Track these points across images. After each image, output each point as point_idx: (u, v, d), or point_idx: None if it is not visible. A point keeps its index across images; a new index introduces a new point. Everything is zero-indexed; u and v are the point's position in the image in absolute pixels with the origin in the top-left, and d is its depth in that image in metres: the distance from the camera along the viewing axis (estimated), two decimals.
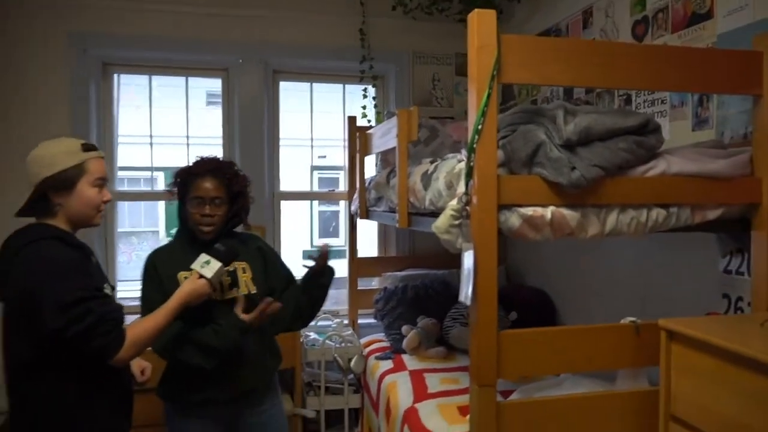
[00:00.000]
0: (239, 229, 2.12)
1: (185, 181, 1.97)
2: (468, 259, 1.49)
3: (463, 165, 1.61)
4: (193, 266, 1.79)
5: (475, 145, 1.47)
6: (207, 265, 1.77)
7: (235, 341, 1.84)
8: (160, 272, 1.90)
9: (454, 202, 1.56)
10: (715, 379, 1.35)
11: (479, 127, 1.46)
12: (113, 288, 1.79)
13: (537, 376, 2.43)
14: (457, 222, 1.54)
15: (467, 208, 1.51)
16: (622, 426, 1.59)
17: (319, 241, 2.09)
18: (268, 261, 2.11)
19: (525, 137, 1.55)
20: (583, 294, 2.81)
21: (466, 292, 1.50)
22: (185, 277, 1.84)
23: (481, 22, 1.45)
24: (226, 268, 1.86)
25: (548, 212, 1.52)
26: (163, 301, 1.71)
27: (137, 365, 1.89)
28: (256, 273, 2.01)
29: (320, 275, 2.14)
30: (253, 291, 1.97)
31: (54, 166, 1.57)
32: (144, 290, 1.91)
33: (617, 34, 2.50)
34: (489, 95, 1.46)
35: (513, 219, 1.51)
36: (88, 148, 1.65)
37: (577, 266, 2.87)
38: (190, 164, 2.00)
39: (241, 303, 1.88)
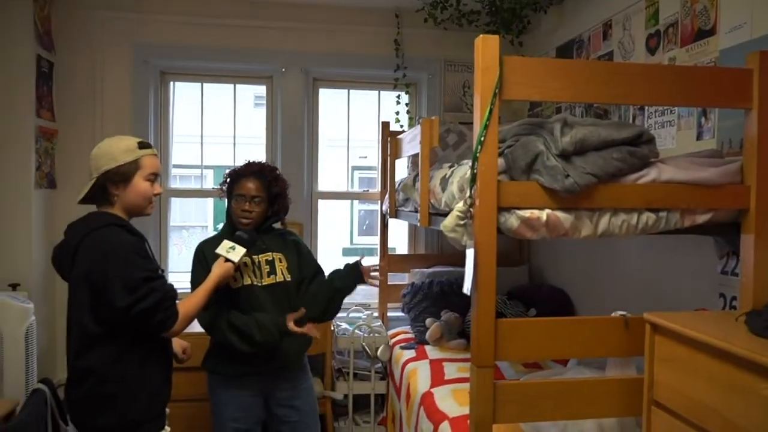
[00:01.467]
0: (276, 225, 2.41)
1: (233, 180, 2.29)
2: (470, 256, 1.69)
3: None
4: (218, 251, 2.08)
5: (478, 155, 1.66)
6: (232, 251, 2.06)
7: (274, 339, 2.14)
8: (207, 259, 2.19)
9: (460, 204, 1.75)
10: (690, 367, 1.49)
11: (482, 138, 1.66)
12: (163, 272, 1.98)
13: (546, 364, 2.59)
14: (462, 222, 1.74)
15: (471, 209, 1.71)
16: (610, 408, 1.75)
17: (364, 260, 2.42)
18: (301, 254, 2.40)
19: (525, 147, 1.73)
20: (597, 292, 2.95)
21: (468, 284, 1.70)
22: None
23: (485, 46, 1.65)
24: (260, 257, 2.15)
25: (544, 214, 1.69)
26: None
27: (179, 345, 2.11)
28: (290, 263, 2.31)
29: (351, 274, 2.39)
30: (288, 279, 2.29)
31: (114, 161, 1.78)
32: (194, 273, 2.24)
33: (633, 46, 2.63)
34: (491, 111, 1.65)
35: (512, 220, 1.69)
36: (143, 146, 1.85)
37: (592, 267, 3.01)
38: (238, 166, 2.32)
39: (298, 315, 2.16)
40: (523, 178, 1.73)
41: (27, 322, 2.61)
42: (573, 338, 1.73)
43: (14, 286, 2.90)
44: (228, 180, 2.32)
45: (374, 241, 4.85)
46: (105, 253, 1.70)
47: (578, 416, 1.80)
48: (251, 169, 2.28)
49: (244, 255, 2.09)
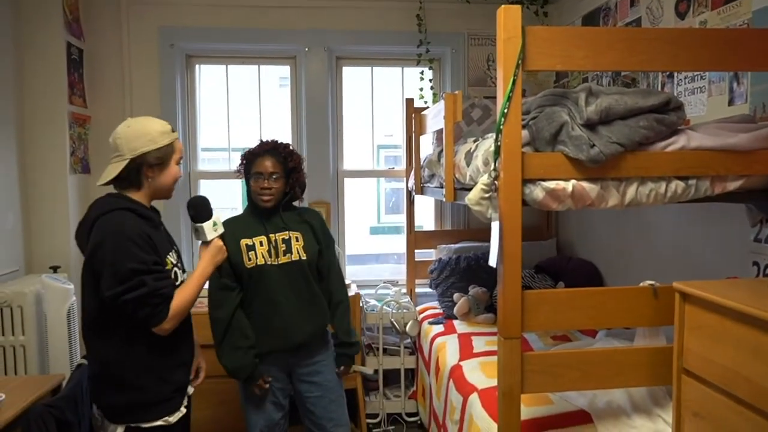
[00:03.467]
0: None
1: (249, 161, 2.31)
2: (496, 228, 1.69)
3: None
4: (207, 239, 1.95)
5: (501, 127, 1.66)
6: (215, 227, 1.95)
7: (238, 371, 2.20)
8: (225, 239, 2.13)
9: (485, 177, 1.75)
10: (719, 335, 1.48)
11: (505, 110, 1.65)
12: (179, 254, 1.94)
13: (577, 335, 2.59)
14: (487, 195, 1.74)
15: (496, 182, 1.71)
16: (639, 378, 1.75)
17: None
18: (318, 231, 2.39)
19: (549, 118, 1.72)
20: (626, 264, 2.93)
21: (494, 257, 1.71)
22: (246, 244, 2.22)
23: (507, 17, 1.63)
24: (277, 236, 2.23)
25: (569, 185, 1.68)
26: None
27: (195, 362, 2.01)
28: (307, 242, 2.32)
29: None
30: (304, 258, 2.29)
31: (153, 143, 1.73)
32: None
33: (662, 11, 2.56)
34: (514, 82, 1.64)
35: (537, 192, 1.69)
36: (173, 129, 1.84)
37: (621, 238, 2.98)
38: (253, 146, 2.34)
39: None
40: (548, 149, 1.72)
41: (68, 303, 2.71)
42: (600, 309, 1.73)
43: (55, 269, 3.01)
44: (244, 161, 2.34)
45: (401, 219, 4.85)
46: (104, 240, 1.65)
47: (606, 386, 1.81)
48: (265, 148, 2.31)
49: (220, 232, 1.99)
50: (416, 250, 3.70)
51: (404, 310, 3.30)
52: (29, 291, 2.64)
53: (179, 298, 1.74)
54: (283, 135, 3.80)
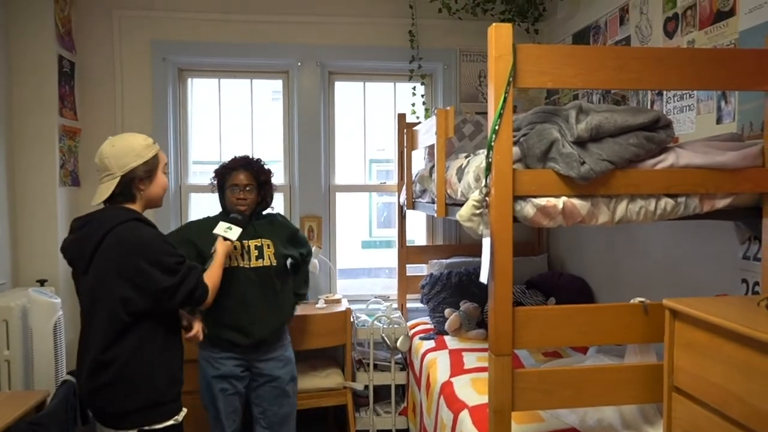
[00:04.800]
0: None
1: (223, 174, 2.57)
2: (487, 245, 1.69)
3: None
4: (216, 231, 2.34)
5: (493, 143, 1.66)
6: (230, 231, 2.34)
7: None
8: (193, 240, 2.47)
9: (476, 194, 1.75)
10: (710, 353, 1.48)
11: (496, 127, 1.66)
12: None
13: (568, 352, 2.59)
14: (478, 211, 1.74)
15: (487, 198, 1.71)
16: (630, 396, 1.75)
17: None
18: (294, 236, 2.70)
19: (540, 135, 1.73)
20: (617, 280, 2.93)
21: (486, 273, 1.71)
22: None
23: (498, 35, 1.65)
24: (251, 242, 2.51)
25: (560, 202, 1.69)
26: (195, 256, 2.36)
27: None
28: (277, 248, 2.57)
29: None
30: (274, 263, 2.55)
31: (140, 157, 1.87)
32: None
33: (650, 30, 2.60)
34: (505, 99, 1.65)
35: (528, 208, 1.69)
36: (154, 141, 1.98)
37: (612, 254, 2.99)
38: (227, 161, 2.59)
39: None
40: (539, 166, 1.73)
41: (55, 317, 2.68)
42: (591, 325, 1.73)
43: (42, 282, 2.98)
44: (219, 174, 2.59)
45: (393, 233, 4.85)
46: (137, 247, 1.80)
47: (597, 403, 1.80)
48: (240, 162, 2.56)
49: (239, 235, 2.35)
50: (408, 265, 3.70)
51: (395, 326, 3.29)
52: (15, 305, 2.60)
53: (211, 278, 2.05)
54: (275, 149, 3.80)
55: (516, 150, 1.73)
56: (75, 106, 3.35)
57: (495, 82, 1.66)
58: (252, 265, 2.51)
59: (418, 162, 3.38)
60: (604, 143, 1.71)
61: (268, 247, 2.56)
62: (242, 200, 2.52)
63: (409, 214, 3.65)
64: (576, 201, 1.70)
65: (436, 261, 3.68)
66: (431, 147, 3.35)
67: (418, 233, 4.03)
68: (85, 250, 1.82)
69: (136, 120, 3.48)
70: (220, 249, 2.28)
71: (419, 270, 3.84)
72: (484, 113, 3.55)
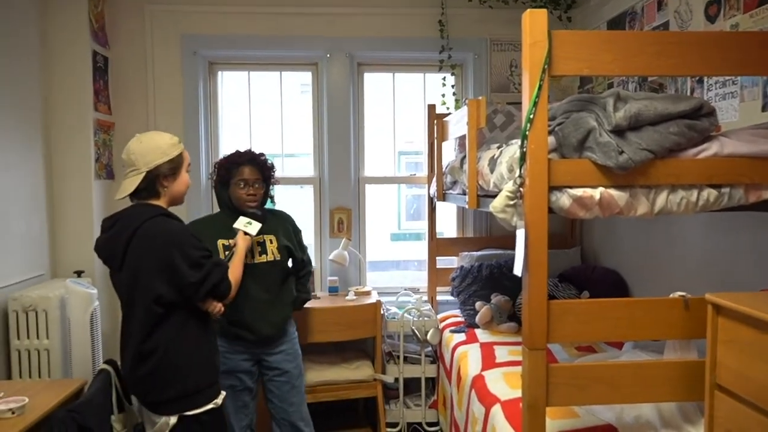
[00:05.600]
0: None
1: (229, 169, 2.51)
2: (521, 236, 1.66)
3: None
4: (236, 226, 2.34)
5: (527, 133, 1.62)
6: (250, 225, 2.34)
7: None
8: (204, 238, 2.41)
9: (510, 184, 1.72)
10: (755, 350, 1.43)
11: (531, 116, 1.62)
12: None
13: (602, 347, 2.53)
14: (512, 202, 1.70)
15: (521, 189, 1.67)
16: (669, 393, 1.70)
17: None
18: (290, 232, 2.65)
19: (576, 124, 1.68)
20: (653, 274, 2.85)
21: (519, 265, 1.67)
22: (223, 244, 2.45)
23: (533, 21, 1.60)
24: (256, 238, 2.46)
25: (597, 193, 1.64)
26: None
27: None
28: (280, 243, 2.56)
29: None
30: (278, 258, 2.54)
31: (166, 155, 1.91)
32: None
33: (691, 15, 2.50)
34: (540, 87, 1.61)
35: (563, 199, 1.65)
36: (180, 140, 2.02)
37: (648, 247, 2.91)
38: (231, 155, 2.55)
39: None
40: (575, 156, 1.68)
41: (91, 307, 2.73)
42: (628, 320, 1.68)
43: (79, 273, 3.04)
44: (222, 169, 2.53)
45: (421, 226, 4.81)
46: (167, 240, 1.84)
47: (634, 400, 1.75)
48: (247, 157, 2.52)
49: (241, 222, 2.35)
50: (438, 257, 3.67)
51: (425, 318, 3.27)
52: (54, 295, 2.66)
53: (235, 272, 2.10)
54: (305, 141, 3.80)
55: (551, 139, 1.68)
56: (109, 101, 3.40)
57: (530, 69, 1.62)
58: (256, 261, 2.48)
59: (448, 153, 3.34)
60: (644, 132, 1.66)
61: (271, 242, 2.54)
62: (252, 196, 2.49)
63: (439, 206, 3.62)
64: (614, 191, 1.65)
65: (466, 253, 3.64)
66: (462, 138, 3.31)
67: (447, 225, 3.99)
68: (116, 248, 1.87)
69: (168, 114, 3.52)
70: (241, 243, 2.28)
71: (449, 262, 3.81)
72: (516, 103, 3.53)
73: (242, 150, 2.57)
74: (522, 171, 1.66)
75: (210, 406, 1.92)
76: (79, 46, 3.14)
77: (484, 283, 3.32)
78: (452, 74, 3.74)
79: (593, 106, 1.72)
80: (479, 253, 3.60)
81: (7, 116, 2.76)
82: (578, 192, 1.65)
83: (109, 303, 3.16)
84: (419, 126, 3.87)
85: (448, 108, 3.67)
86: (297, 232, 2.71)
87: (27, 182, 2.92)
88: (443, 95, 3.68)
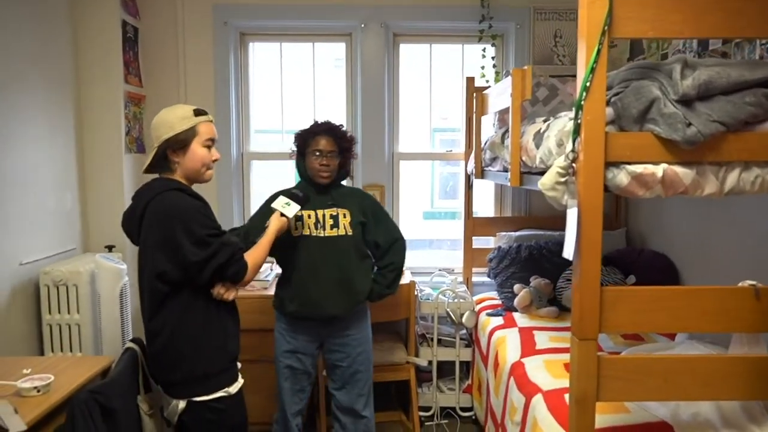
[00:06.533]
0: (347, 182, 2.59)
1: (305, 139, 2.45)
2: (572, 216, 1.51)
3: (573, 123, 1.62)
4: (273, 205, 2.23)
5: (583, 102, 1.47)
6: (287, 207, 2.21)
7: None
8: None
9: (560, 160, 1.57)
10: None
11: (587, 84, 1.46)
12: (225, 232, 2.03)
13: (651, 337, 2.38)
14: (563, 179, 1.56)
15: (573, 165, 1.53)
16: (732, 390, 1.55)
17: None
18: (378, 218, 2.52)
19: (637, 93, 1.52)
20: (709, 260, 2.66)
21: (571, 248, 1.53)
22: (295, 214, 2.29)
23: None
24: (326, 211, 2.39)
25: (660, 170, 1.49)
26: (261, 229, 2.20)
27: None
28: (354, 218, 2.43)
29: None
30: (350, 233, 2.41)
31: (172, 129, 1.82)
32: (254, 215, 2.54)
33: None
34: (599, 51, 1.45)
35: (621, 176, 1.50)
36: (199, 113, 1.89)
37: (704, 230, 2.71)
38: (308, 126, 2.48)
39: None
40: (635, 129, 1.52)
41: (121, 283, 2.70)
42: (688, 310, 1.53)
43: (110, 248, 3.01)
44: (300, 139, 2.47)
45: (455, 204, 4.66)
46: (171, 215, 1.75)
47: (692, 397, 1.61)
48: (323, 128, 2.44)
49: (298, 211, 2.24)
50: (474, 237, 3.53)
51: (461, 300, 3.15)
52: (84, 270, 2.63)
53: (254, 254, 1.95)
54: (338, 115, 3.68)
55: (609, 110, 1.53)
56: (140, 73, 3.33)
57: (587, 31, 1.45)
58: (326, 234, 2.38)
59: (487, 129, 3.19)
60: (715, 102, 1.49)
61: (344, 217, 2.42)
62: (325, 166, 2.39)
63: (476, 183, 3.47)
64: (678, 169, 1.49)
65: (504, 233, 3.49)
66: (502, 112, 3.15)
67: (483, 204, 3.83)
68: (133, 221, 1.85)
69: (199, 86, 3.44)
70: (273, 225, 2.15)
71: (484, 242, 3.67)
72: (560, 76, 3.33)
73: (322, 121, 2.49)
74: (575, 145, 1.51)
75: (220, 393, 1.84)
76: (109, 15, 3.06)
77: (523, 265, 3.18)
78: (493, 45, 3.55)
79: (657, 74, 1.55)
80: (518, 233, 3.45)
81: (37, 88, 2.71)
82: (638, 168, 1.49)
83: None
84: (454, 101, 3.71)
85: (487, 81, 3.50)
86: (377, 211, 2.53)
87: (58, 156, 2.88)
88: (482, 67, 3.51)
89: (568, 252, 1.53)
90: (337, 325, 2.43)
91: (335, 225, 2.39)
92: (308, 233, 2.38)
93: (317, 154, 2.39)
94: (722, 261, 2.56)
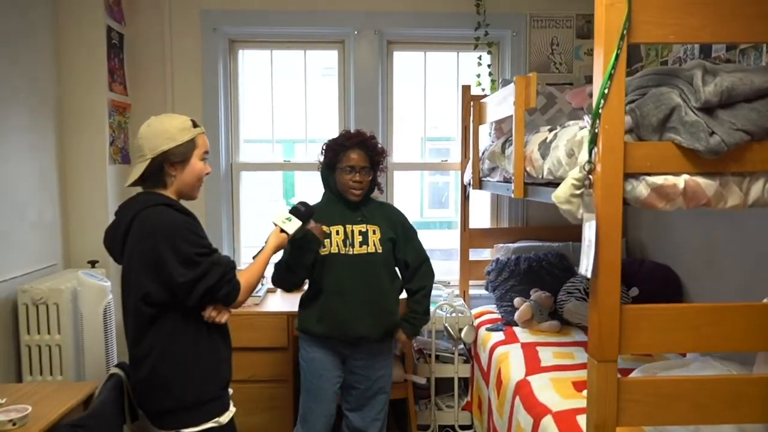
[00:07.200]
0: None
1: (336, 152, 2.30)
2: (590, 230, 1.43)
3: (585, 132, 1.55)
4: (273, 220, 2.05)
5: (600, 110, 1.39)
6: (288, 222, 2.03)
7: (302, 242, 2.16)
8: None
9: (575, 171, 1.49)
10: None
11: (605, 91, 1.38)
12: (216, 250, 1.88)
13: (663, 354, 2.30)
14: (578, 191, 1.48)
15: (590, 176, 1.44)
16: (759, 413, 1.46)
17: None
18: (408, 237, 2.41)
19: (657, 100, 1.44)
20: (714, 271, 2.59)
21: (587, 265, 1.44)
22: (325, 231, 2.23)
23: None
24: (355, 227, 2.26)
25: (681, 181, 1.41)
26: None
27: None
28: (384, 235, 2.30)
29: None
30: (380, 251, 2.28)
31: (173, 140, 1.70)
32: None
33: None
34: (617, 56, 1.37)
35: (640, 188, 1.42)
36: (195, 124, 1.78)
37: (709, 241, 2.64)
38: (338, 137, 2.34)
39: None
40: (654, 138, 1.45)
41: (105, 301, 2.56)
42: (714, 328, 1.45)
43: (93, 263, 2.88)
44: (330, 151, 2.33)
45: (446, 214, 4.58)
46: (156, 231, 1.63)
47: (718, 420, 1.53)
48: (354, 141, 2.30)
49: (300, 228, 2.05)
50: (470, 249, 3.44)
51: (459, 314, 3.05)
52: (65, 287, 2.50)
53: (248, 273, 1.81)
54: (331, 125, 3.58)
55: (627, 119, 1.45)
56: (125, 81, 3.21)
57: (605, 35, 1.38)
58: (355, 252, 2.25)
59: (483, 138, 3.11)
60: (738, 109, 1.41)
61: (374, 233, 2.29)
62: (357, 183, 2.26)
63: (471, 194, 3.38)
64: (701, 180, 1.42)
65: (502, 245, 3.41)
66: (500, 121, 3.08)
67: (477, 215, 3.75)
68: (117, 238, 1.72)
69: (187, 95, 3.33)
70: (270, 242, 1.98)
71: (478, 254, 3.58)
72: (557, 84, 3.27)
73: (351, 131, 2.37)
74: (592, 155, 1.43)
75: (210, 424, 1.71)
76: (93, 20, 2.94)
77: (522, 278, 3.10)
78: (489, 53, 3.48)
79: (676, 80, 1.47)
80: (516, 245, 3.37)
81: (18, 96, 2.58)
82: (658, 180, 1.41)
83: None
84: (445, 109, 3.63)
85: (483, 89, 3.43)
86: (407, 229, 2.41)
87: (38, 167, 2.75)
88: (478, 75, 3.44)
89: (586, 268, 1.44)
90: (363, 346, 2.30)
91: (365, 242, 2.26)
92: (336, 251, 2.24)
93: (349, 170, 2.26)
94: (728, 272, 2.49)
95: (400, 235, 2.36)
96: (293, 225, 2.03)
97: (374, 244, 2.27)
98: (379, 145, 2.36)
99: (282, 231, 2.01)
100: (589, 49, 3.44)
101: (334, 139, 2.34)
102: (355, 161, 2.26)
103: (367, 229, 2.28)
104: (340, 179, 2.29)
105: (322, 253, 2.23)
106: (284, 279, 2.33)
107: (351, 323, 2.23)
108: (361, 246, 2.26)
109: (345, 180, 2.27)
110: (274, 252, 1.99)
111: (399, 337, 2.43)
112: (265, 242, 1.99)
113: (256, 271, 1.85)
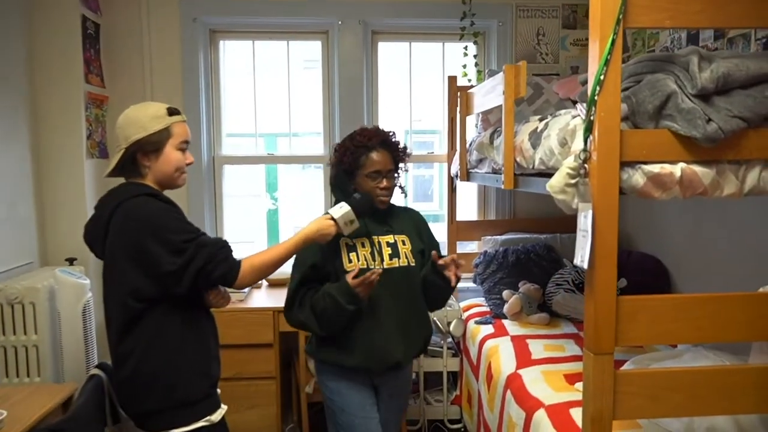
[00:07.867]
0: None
1: (356, 156, 1.97)
2: (585, 220, 1.40)
3: (577, 121, 1.53)
4: (331, 210, 1.84)
5: (596, 97, 1.36)
6: (338, 208, 1.83)
7: (339, 306, 1.84)
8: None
9: (570, 160, 1.45)
10: None
11: (601, 77, 1.34)
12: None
13: (654, 345, 2.29)
14: (573, 181, 1.44)
15: (585, 165, 1.41)
16: (754, 403, 1.45)
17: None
18: (423, 233, 2.13)
19: (652, 87, 1.41)
20: (703, 262, 2.59)
21: (583, 255, 1.41)
22: (346, 244, 1.96)
23: None
24: (382, 238, 2.00)
25: (677, 169, 1.38)
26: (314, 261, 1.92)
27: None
28: (414, 245, 2.03)
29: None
30: (413, 263, 2.00)
31: (144, 130, 1.63)
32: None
33: None
34: (613, 42, 1.33)
35: (636, 177, 1.39)
36: (172, 112, 1.70)
37: (697, 231, 2.64)
38: (355, 137, 2.01)
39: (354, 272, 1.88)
40: (650, 126, 1.42)
41: (83, 300, 2.48)
42: (712, 319, 1.42)
43: (71, 261, 2.79)
44: (350, 156, 1.99)
45: (431, 207, 4.54)
46: (139, 223, 1.57)
47: (715, 411, 1.52)
48: (377, 140, 1.98)
49: (350, 215, 1.83)
50: (457, 242, 3.41)
51: (447, 308, 3.02)
52: (42, 286, 2.41)
53: (261, 255, 1.69)
54: (315, 119, 3.52)
55: (622, 106, 1.42)
56: (102, 72, 3.11)
57: (600, 20, 1.34)
58: (386, 266, 1.94)
59: (470, 130, 3.08)
60: (734, 96, 1.39)
61: (404, 244, 2.01)
62: (386, 190, 1.97)
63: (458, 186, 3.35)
64: (697, 168, 1.39)
65: (489, 237, 3.38)
66: (487, 112, 3.05)
67: (463, 207, 3.71)
68: (97, 232, 1.65)
69: (166, 87, 3.24)
70: (311, 226, 1.78)
71: (464, 246, 3.55)
72: (543, 75, 3.24)
73: (371, 128, 2.05)
74: (587, 144, 1.40)
75: (201, 423, 1.64)
76: (67, 9, 2.83)
77: (511, 270, 3.07)
78: (474, 43, 3.45)
79: (671, 66, 1.44)
80: (503, 237, 3.35)
81: None
82: (654, 168, 1.39)
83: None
84: (431, 101, 3.58)
85: (469, 80, 3.39)
86: (430, 235, 2.15)
87: (11, 162, 2.65)
88: (464, 66, 3.40)
89: (582, 259, 1.41)
90: (396, 371, 2.01)
91: (395, 254, 1.97)
92: (365, 266, 1.92)
93: (375, 175, 1.96)
94: (716, 262, 2.49)
95: (426, 243, 2.10)
96: (342, 210, 1.82)
97: (406, 256, 1.99)
98: (402, 143, 2.06)
99: (331, 219, 1.81)
100: (575, 39, 3.42)
101: (350, 140, 2.01)
102: (381, 165, 1.96)
103: (395, 240, 2.01)
104: (364, 186, 1.97)
105: (348, 269, 1.92)
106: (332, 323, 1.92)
107: (387, 352, 1.93)
108: (391, 259, 1.97)
109: (370, 187, 1.96)
110: (311, 237, 1.78)
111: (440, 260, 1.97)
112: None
113: (274, 253, 1.70)
